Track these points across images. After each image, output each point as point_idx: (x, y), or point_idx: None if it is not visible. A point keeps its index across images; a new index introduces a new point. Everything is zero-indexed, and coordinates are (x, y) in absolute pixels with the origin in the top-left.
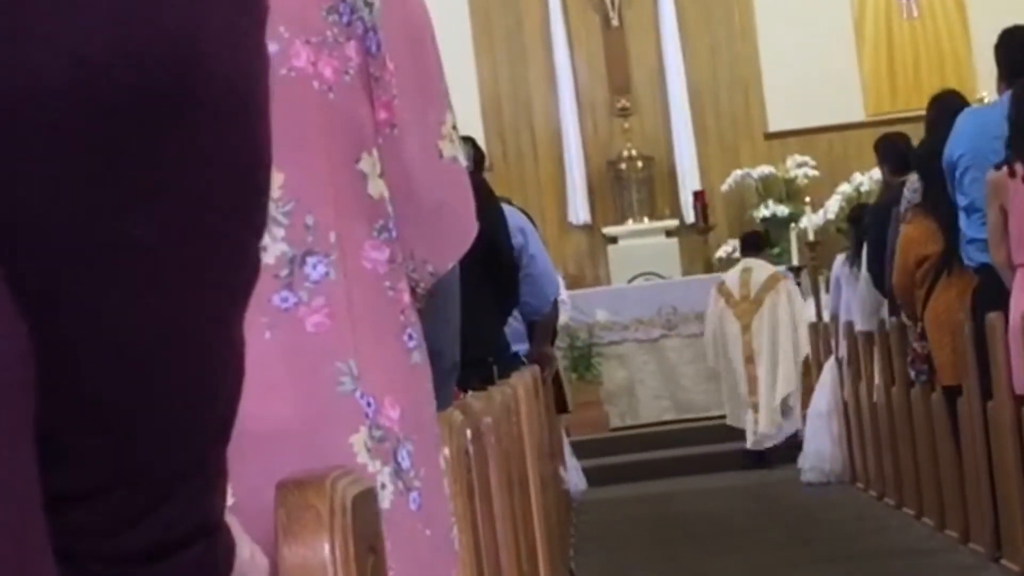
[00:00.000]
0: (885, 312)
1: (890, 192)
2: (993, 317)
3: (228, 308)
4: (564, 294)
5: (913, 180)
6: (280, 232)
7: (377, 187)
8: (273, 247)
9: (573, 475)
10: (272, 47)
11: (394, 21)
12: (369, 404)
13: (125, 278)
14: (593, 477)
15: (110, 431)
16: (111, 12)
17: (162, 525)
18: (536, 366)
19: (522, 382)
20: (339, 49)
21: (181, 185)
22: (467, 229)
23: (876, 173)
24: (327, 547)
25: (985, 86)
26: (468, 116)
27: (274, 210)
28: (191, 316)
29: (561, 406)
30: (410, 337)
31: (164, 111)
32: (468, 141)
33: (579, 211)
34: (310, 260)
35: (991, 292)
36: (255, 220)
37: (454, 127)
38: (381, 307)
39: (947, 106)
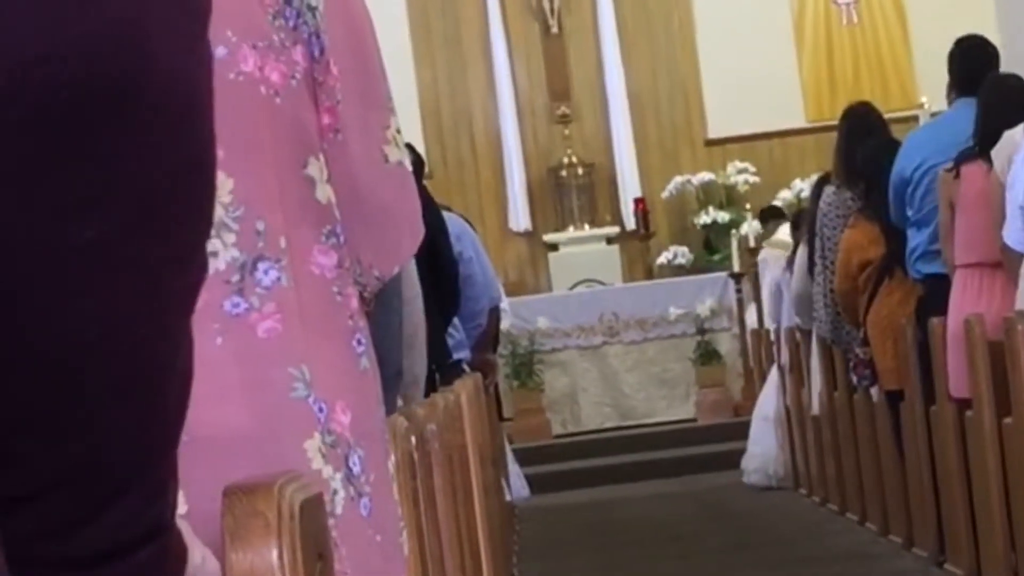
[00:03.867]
0: (823, 314)
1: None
2: (935, 322)
3: (175, 309)
4: (504, 301)
5: (829, 191)
6: (231, 238)
7: (324, 192)
8: (224, 253)
9: (516, 482)
10: (220, 51)
11: (337, 25)
12: (321, 409)
13: (68, 279)
14: (536, 484)
15: (54, 432)
16: (51, 7)
17: (112, 528)
18: (478, 373)
19: (465, 389)
20: (286, 53)
21: (126, 183)
22: (413, 232)
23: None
24: (275, 553)
25: (925, 92)
26: (408, 123)
27: (224, 216)
28: (137, 317)
29: (498, 414)
30: (359, 342)
31: (108, 107)
32: (408, 148)
33: (519, 218)
34: (261, 266)
35: (936, 301)
36: (201, 219)
37: (398, 131)
38: (330, 312)
39: (860, 117)
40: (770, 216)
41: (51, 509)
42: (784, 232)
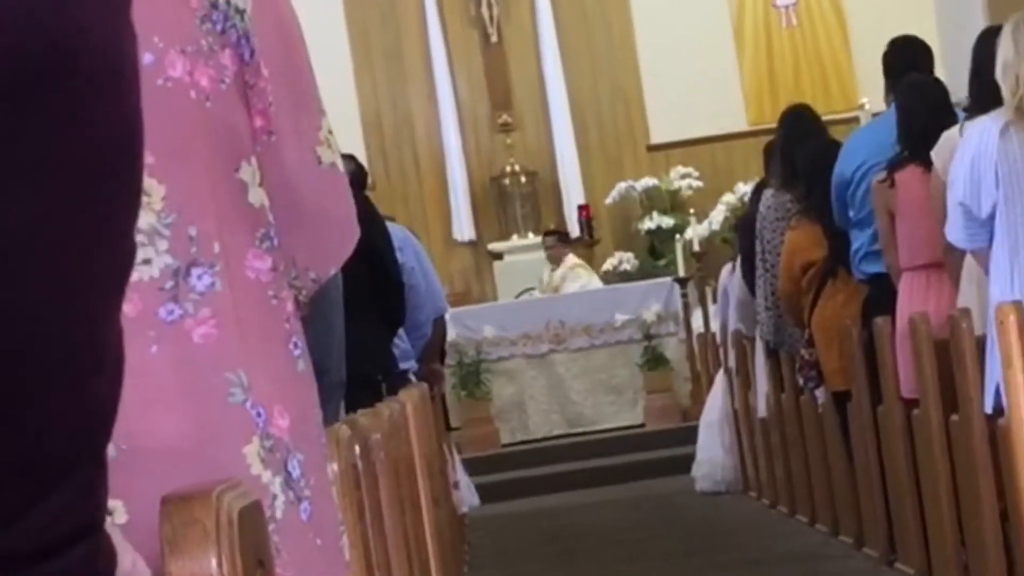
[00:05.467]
0: (765, 317)
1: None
2: (881, 322)
3: (105, 293)
4: (447, 312)
5: (768, 195)
6: (164, 244)
7: (257, 196)
8: (157, 259)
9: (465, 492)
10: (147, 57)
11: (266, 28)
12: (259, 414)
13: None
14: (485, 493)
15: None
16: None
17: (41, 525)
18: (425, 383)
19: (411, 399)
20: (214, 58)
21: (58, 158)
22: (348, 234)
23: None
24: (214, 561)
25: (866, 93)
26: (349, 135)
27: (157, 222)
28: (67, 300)
29: (445, 423)
30: (295, 345)
31: (45, 77)
32: (350, 159)
33: (463, 228)
34: (195, 271)
35: (881, 301)
36: (130, 198)
37: (330, 132)
38: (266, 316)
39: (799, 119)
40: None
41: None
42: None
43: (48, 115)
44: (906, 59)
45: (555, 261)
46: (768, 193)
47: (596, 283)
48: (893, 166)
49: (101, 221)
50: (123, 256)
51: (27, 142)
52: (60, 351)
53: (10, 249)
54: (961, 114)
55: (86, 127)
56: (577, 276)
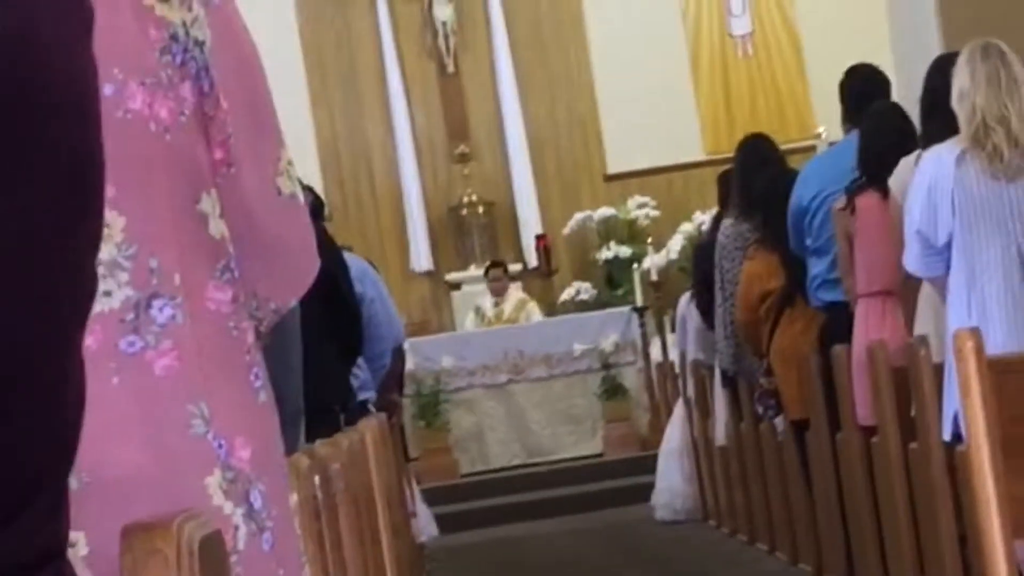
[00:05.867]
0: (723, 346)
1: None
2: (839, 350)
3: (66, 321)
4: (406, 342)
5: (726, 224)
6: (124, 276)
7: (218, 227)
8: (118, 292)
9: (424, 522)
10: (107, 89)
11: (225, 60)
12: (220, 445)
13: None
14: (444, 523)
15: None
16: None
17: (5, 550)
18: (383, 414)
19: (370, 429)
20: (174, 90)
21: (22, 187)
22: (309, 265)
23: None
24: None
25: (822, 122)
26: (306, 166)
27: (117, 254)
28: (28, 329)
29: (403, 454)
30: (256, 376)
31: (5, 110)
32: (308, 190)
33: (421, 258)
34: (156, 303)
35: (839, 329)
36: (90, 228)
37: (290, 163)
38: (227, 347)
39: (755, 148)
40: None
41: None
42: None
43: (7, 142)
44: (863, 87)
45: (498, 294)
46: (726, 223)
47: (538, 315)
48: (853, 192)
49: (63, 250)
50: (85, 286)
51: None
52: (25, 378)
53: None
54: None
55: (46, 154)
56: (531, 310)
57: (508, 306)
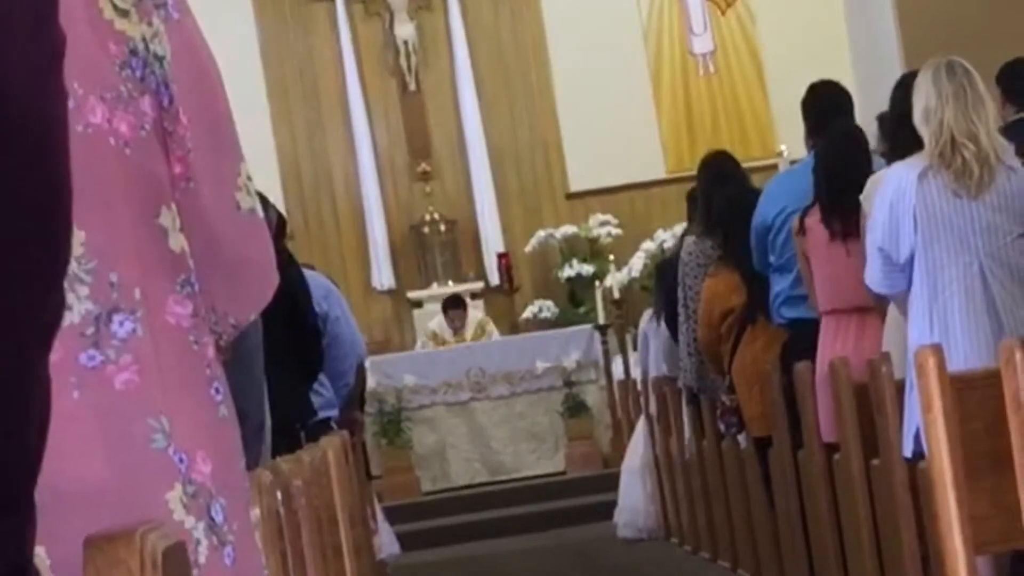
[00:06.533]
0: (687, 363)
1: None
2: (801, 367)
3: (32, 347)
4: (368, 360)
5: (689, 241)
6: (84, 290)
7: (178, 241)
8: (78, 306)
9: (386, 540)
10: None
11: (185, 75)
12: (181, 460)
13: None
14: (407, 542)
15: None
16: None
17: None
18: (346, 431)
19: (332, 446)
20: (134, 104)
21: None
22: (268, 279)
23: (679, 229)
24: None
25: (784, 139)
26: (267, 184)
27: (77, 268)
28: None
29: (365, 472)
30: (217, 391)
31: None
32: (270, 207)
33: (383, 276)
34: (116, 318)
35: (801, 346)
36: (58, 253)
37: (249, 178)
38: (187, 362)
39: (717, 166)
40: None
41: None
42: None
43: None
44: (826, 104)
45: (456, 331)
46: (689, 240)
47: (497, 336)
48: (805, 212)
49: (32, 273)
50: (52, 308)
51: None
52: None
53: None
54: (880, 160)
55: (10, 183)
56: (490, 333)
57: (468, 331)
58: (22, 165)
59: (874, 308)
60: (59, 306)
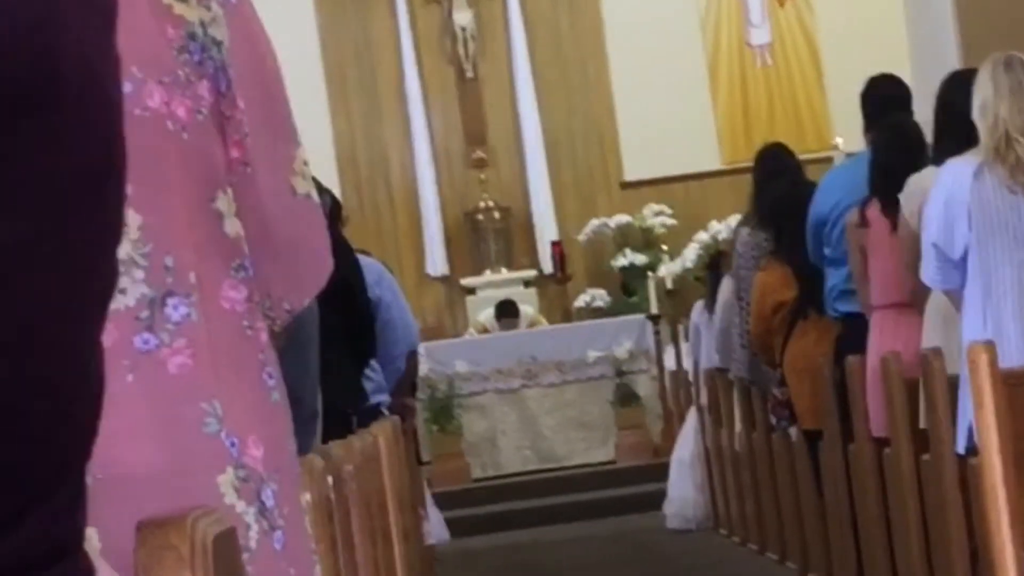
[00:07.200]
0: (740, 355)
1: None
2: (853, 361)
3: (87, 313)
4: (420, 346)
5: (744, 233)
6: (140, 274)
7: (233, 226)
8: (133, 289)
9: (436, 526)
10: (126, 87)
11: (242, 60)
12: (233, 444)
13: None
14: (456, 528)
15: None
16: None
17: (21, 544)
18: (397, 417)
19: (383, 432)
20: (192, 88)
21: (38, 184)
22: (323, 265)
23: (733, 221)
24: None
25: (840, 132)
26: (324, 169)
27: (133, 252)
28: (49, 320)
29: (416, 458)
30: (269, 376)
31: (21, 106)
32: (326, 193)
33: (436, 262)
34: (170, 301)
35: (854, 340)
36: (112, 219)
37: (305, 163)
38: (241, 346)
39: (776, 158)
40: None
41: None
42: None
43: (30, 137)
44: (883, 97)
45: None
46: (744, 231)
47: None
48: (865, 204)
49: (84, 244)
50: (106, 280)
51: (9, 164)
52: (47, 374)
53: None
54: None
55: (69, 149)
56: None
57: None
58: (79, 126)
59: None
60: (113, 276)
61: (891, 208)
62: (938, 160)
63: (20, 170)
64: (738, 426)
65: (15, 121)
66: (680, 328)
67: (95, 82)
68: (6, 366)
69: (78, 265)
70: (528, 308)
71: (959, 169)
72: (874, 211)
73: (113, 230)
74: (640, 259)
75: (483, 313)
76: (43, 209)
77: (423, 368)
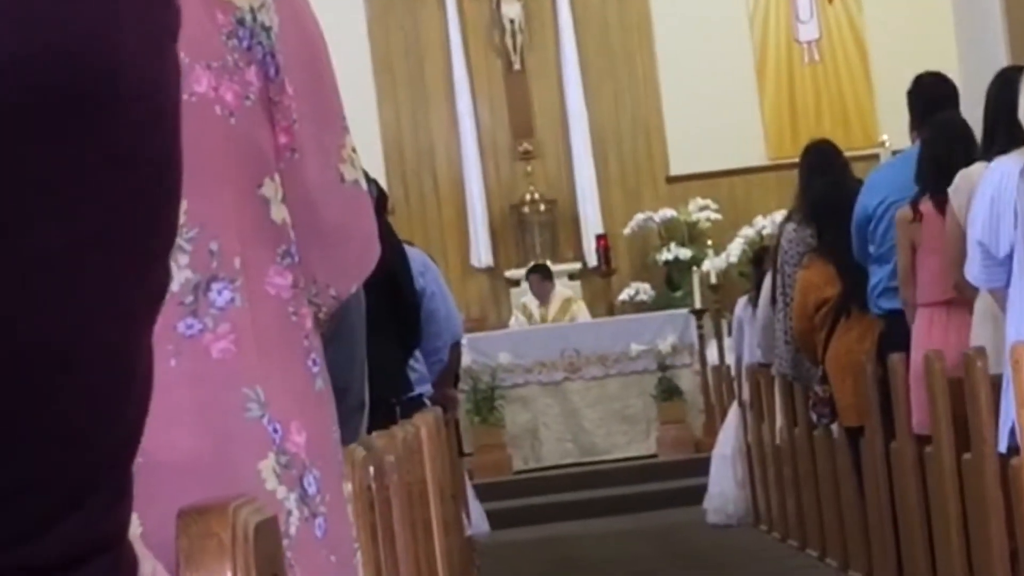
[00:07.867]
0: (782, 351)
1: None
2: (895, 358)
3: (138, 318)
4: (464, 337)
5: (789, 228)
6: (184, 259)
7: (280, 212)
8: (177, 274)
9: (476, 518)
10: None
11: (291, 46)
12: (275, 430)
13: (36, 287)
14: (496, 520)
15: (17, 439)
16: (24, 11)
17: (68, 537)
18: (439, 408)
19: (425, 423)
20: (240, 74)
21: (93, 191)
22: (370, 252)
23: (778, 216)
24: (229, 575)
25: (886, 130)
26: (371, 160)
27: (178, 237)
28: (102, 324)
29: (458, 449)
30: (314, 363)
31: (77, 113)
32: (372, 182)
33: (482, 254)
34: (215, 286)
35: (897, 337)
36: (165, 227)
37: (353, 150)
38: (285, 332)
39: (823, 154)
40: None
41: (12, 514)
42: None
43: (82, 151)
44: (931, 95)
45: (541, 297)
46: (789, 227)
47: (585, 314)
48: (917, 199)
49: (136, 250)
50: (157, 284)
51: (65, 169)
52: (97, 371)
53: (50, 272)
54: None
55: (122, 161)
56: (576, 311)
57: (553, 307)
58: (135, 135)
59: (969, 302)
60: (166, 277)
61: (944, 203)
62: (987, 158)
63: (75, 175)
64: (779, 422)
65: (72, 128)
66: (723, 323)
67: (154, 91)
68: (62, 371)
69: (130, 270)
70: (566, 290)
71: (1006, 167)
72: (927, 206)
73: (166, 235)
74: (684, 253)
75: (526, 295)
76: (98, 216)
77: (466, 359)
